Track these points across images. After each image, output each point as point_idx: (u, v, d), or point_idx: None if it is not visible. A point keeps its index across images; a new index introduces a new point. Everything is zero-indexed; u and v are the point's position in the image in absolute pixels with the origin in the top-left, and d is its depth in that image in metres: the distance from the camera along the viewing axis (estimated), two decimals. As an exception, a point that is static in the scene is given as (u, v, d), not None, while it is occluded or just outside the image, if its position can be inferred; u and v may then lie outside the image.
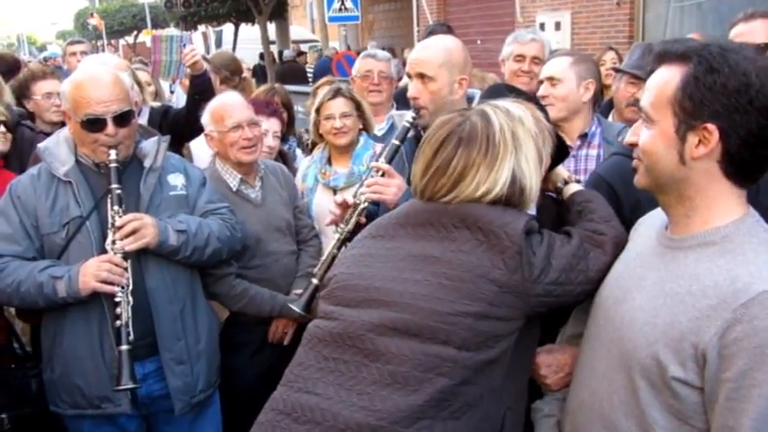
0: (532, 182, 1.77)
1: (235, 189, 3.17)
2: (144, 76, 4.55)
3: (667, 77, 1.50)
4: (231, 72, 5.21)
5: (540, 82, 3.18)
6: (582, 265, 1.73)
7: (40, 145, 2.72)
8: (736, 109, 1.42)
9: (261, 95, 4.41)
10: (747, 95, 1.42)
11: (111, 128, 2.54)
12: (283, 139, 4.13)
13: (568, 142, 3.14)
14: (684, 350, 1.42)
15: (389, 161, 2.74)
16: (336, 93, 3.47)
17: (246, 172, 3.23)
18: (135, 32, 39.10)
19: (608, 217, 1.89)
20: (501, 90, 2.11)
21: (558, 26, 10.60)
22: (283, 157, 3.98)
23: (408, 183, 2.75)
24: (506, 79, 4.13)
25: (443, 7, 14.24)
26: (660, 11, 9.28)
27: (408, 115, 2.80)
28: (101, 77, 2.60)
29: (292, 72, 14.13)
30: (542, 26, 10.50)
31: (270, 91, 4.50)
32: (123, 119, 2.58)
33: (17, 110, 4.09)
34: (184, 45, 4.29)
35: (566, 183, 2.11)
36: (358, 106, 3.50)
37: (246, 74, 6.11)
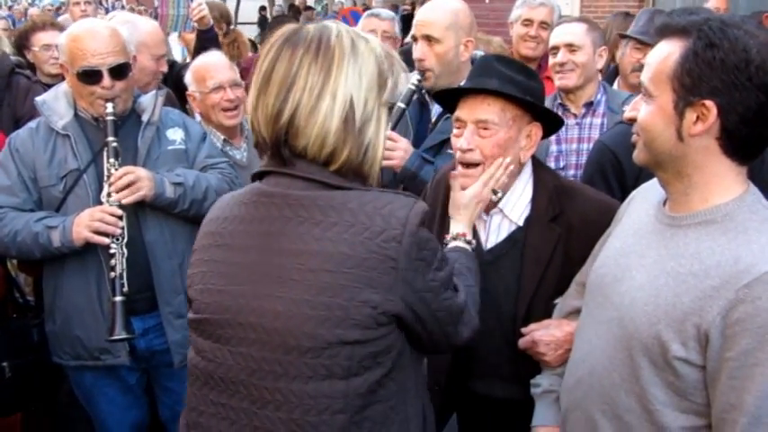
0: (372, 114, 1.48)
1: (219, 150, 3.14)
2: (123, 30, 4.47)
3: (667, 52, 1.47)
4: (220, 15, 5.14)
5: (554, 48, 3.14)
6: (448, 294, 1.55)
7: (38, 99, 2.72)
8: (734, 85, 1.40)
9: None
10: (747, 72, 1.39)
11: (107, 80, 2.54)
12: None
13: (574, 110, 3.14)
14: (687, 330, 1.42)
15: (395, 125, 2.73)
16: None
17: (230, 133, 3.22)
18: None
19: (470, 285, 1.77)
20: (490, 62, 2.06)
21: (567, -12, 10.41)
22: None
23: (415, 146, 2.75)
24: (513, 43, 4.08)
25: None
26: (673, -24, 9.10)
27: (413, 77, 2.77)
28: (97, 30, 2.59)
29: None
30: (551, -13, 10.29)
31: None
32: (120, 71, 2.57)
33: (15, 59, 4.04)
34: (191, 0, 4.24)
35: (454, 239, 1.97)
36: None
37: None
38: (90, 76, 2.53)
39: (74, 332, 2.65)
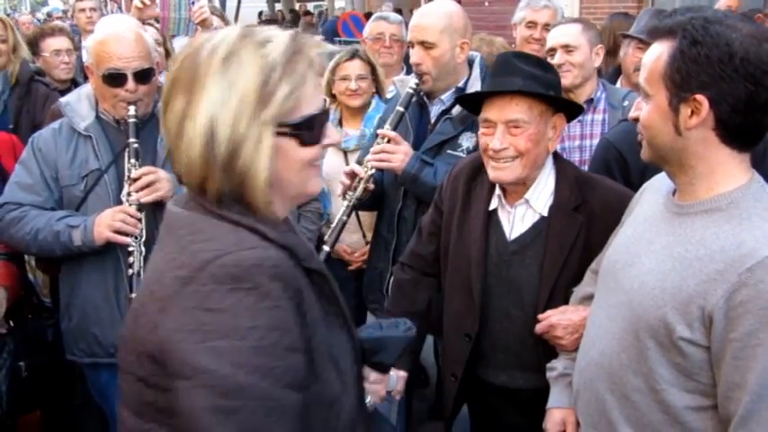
0: (246, 135, 1.22)
1: None
2: (154, 34, 4.54)
3: (657, 53, 1.56)
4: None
5: (551, 50, 3.20)
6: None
7: (62, 100, 2.79)
8: (722, 78, 1.47)
9: None
10: (732, 64, 1.46)
11: (131, 83, 2.59)
12: None
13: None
14: (692, 312, 1.49)
15: (394, 127, 2.78)
16: (354, 54, 3.47)
17: None
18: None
19: None
20: (510, 60, 2.13)
21: (566, -10, 10.46)
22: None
23: (414, 148, 2.81)
24: (517, 45, 4.13)
25: (451, -32, 14.02)
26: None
27: (411, 81, 2.82)
28: (124, 34, 2.65)
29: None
30: (551, -11, 10.33)
31: None
32: (144, 76, 2.62)
33: (34, 66, 4.12)
34: (193, 3, 4.27)
35: None
36: (373, 70, 3.51)
37: None
38: (115, 79, 2.58)
39: (90, 329, 2.69)
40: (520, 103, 2.05)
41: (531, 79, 2.05)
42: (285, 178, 1.31)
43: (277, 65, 1.25)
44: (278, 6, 20.24)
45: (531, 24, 3.96)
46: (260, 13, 19.52)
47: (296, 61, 1.27)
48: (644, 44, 3.35)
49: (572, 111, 2.21)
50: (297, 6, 21.03)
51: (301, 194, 1.41)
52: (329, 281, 1.38)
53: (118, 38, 2.62)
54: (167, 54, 4.93)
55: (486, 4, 11.38)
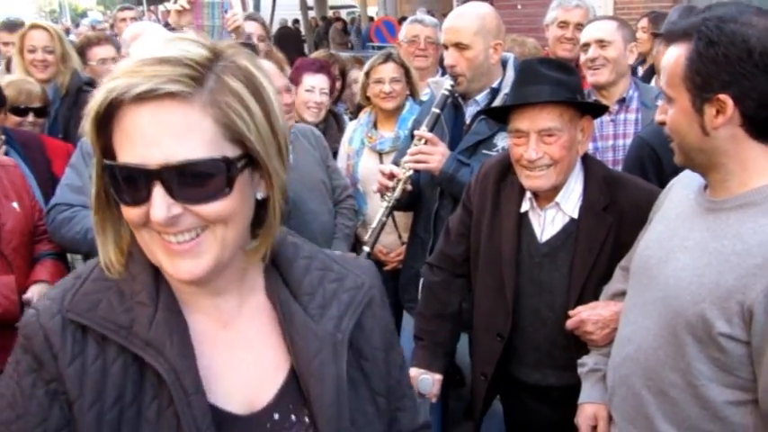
0: None
1: None
2: None
3: (675, 57, 1.56)
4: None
5: (585, 45, 3.21)
6: None
7: None
8: (743, 75, 1.47)
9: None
10: (751, 60, 1.46)
11: None
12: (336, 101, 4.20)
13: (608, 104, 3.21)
14: (731, 307, 1.48)
15: (431, 129, 2.82)
16: (388, 57, 3.53)
17: None
18: (173, -2, 39.14)
19: None
20: (535, 67, 2.13)
21: (600, -11, 10.38)
22: (336, 118, 4.05)
23: (450, 148, 2.85)
24: (549, 45, 4.14)
25: (483, -28, 14.00)
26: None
27: (447, 83, 2.86)
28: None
29: (287, 38, 14.03)
30: (584, -11, 10.27)
31: (329, 56, 4.53)
32: None
33: (86, 76, 4.22)
34: (226, 11, 4.35)
35: None
36: (407, 72, 3.56)
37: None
38: None
39: None
40: (550, 111, 2.06)
41: (558, 85, 2.06)
42: None
43: None
44: (311, 14, 20.42)
45: (563, 24, 3.96)
46: (295, 21, 19.68)
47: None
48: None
49: (599, 111, 2.23)
50: (330, 13, 21.19)
51: None
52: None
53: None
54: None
55: (519, 6, 11.34)
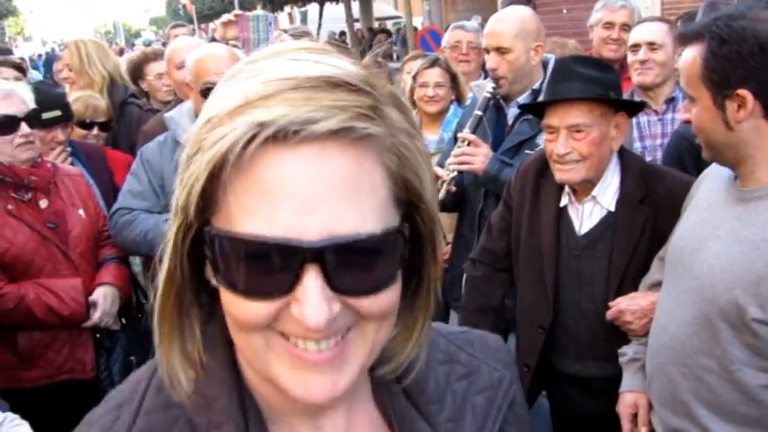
0: None
1: None
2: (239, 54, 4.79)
3: (691, 57, 1.61)
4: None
5: (635, 46, 3.21)
6: None
7: (166, 115, 3.08)
8: (758, 69, 1.51)
9: None
10: (764, 54, 1.50)
11: None
12: None
13: (655, 107, 3.21)
14: (763, 293, 1.51)
15: (474, 131, 2.88)
16: (434, 62, 3.62)
17: None
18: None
19: None
20: (567, 65, 2.18)
21: (647, -11, 10.24)
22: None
23: (493, 149, 2.90)
24: (594, 46, 4.12)
25: (528, -22, 13.99)
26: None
27: (488, 86, 2.92)
28: (218, 52, 2.92)
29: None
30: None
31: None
32: None
33: (132, 88, 4.41)
34: (270, 24, 4.49)
35: None
36: (453, 78, 3.63)
37: None
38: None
39: None
40: (579, 107, 2.10)
41: (590, 82, 2.10)
42: None
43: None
44: (357, 25, 20.68)
45: (609, 25, 3.94)
46: (341, 33, 19.98)
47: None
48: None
49: (634, 108, 2.25)
50: (376, 24, 21.42)
51: None
52: None
53: (213, 56, 2.88)
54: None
55: (565, 11, 11.30)
